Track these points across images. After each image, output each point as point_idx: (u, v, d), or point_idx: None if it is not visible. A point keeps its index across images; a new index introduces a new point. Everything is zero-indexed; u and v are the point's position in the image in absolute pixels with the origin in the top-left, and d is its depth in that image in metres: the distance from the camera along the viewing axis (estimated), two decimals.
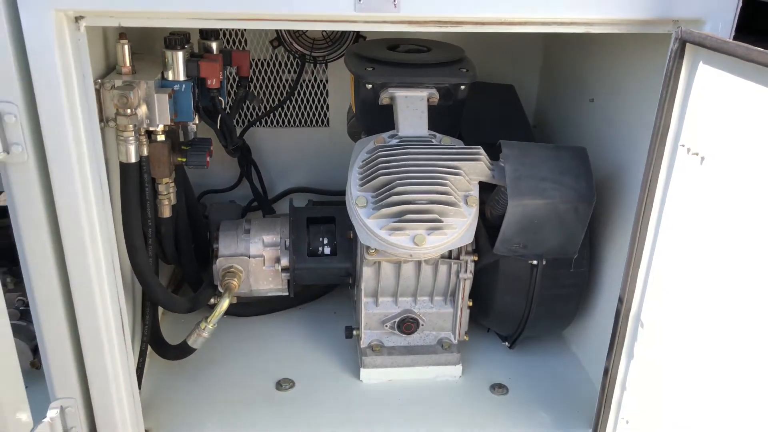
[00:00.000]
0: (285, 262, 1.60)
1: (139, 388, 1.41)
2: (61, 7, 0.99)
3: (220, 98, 1.49)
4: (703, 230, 1.07)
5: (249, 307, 1.82)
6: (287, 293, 1.66)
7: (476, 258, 1.55)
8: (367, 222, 1.32)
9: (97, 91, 1.17)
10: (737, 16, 1.10)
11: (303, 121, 2.05)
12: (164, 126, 1.35)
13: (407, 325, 1.60)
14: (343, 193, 1.43)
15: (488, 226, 1.51)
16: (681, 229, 1.12)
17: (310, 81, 2.01)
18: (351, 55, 1.53)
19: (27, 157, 1.05)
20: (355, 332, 1.65)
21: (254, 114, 2.01)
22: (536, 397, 1.59)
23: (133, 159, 1.28)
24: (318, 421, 1.50)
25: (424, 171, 1.33)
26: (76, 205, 1.11)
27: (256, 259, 1.60)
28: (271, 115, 2.02)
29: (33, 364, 1.48)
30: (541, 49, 2.04)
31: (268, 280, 1.62)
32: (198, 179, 1.88)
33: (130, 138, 1.26)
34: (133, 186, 1.31)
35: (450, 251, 1.53)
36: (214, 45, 1.49)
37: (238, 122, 1.99)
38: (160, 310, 1.66)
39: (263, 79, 1.98)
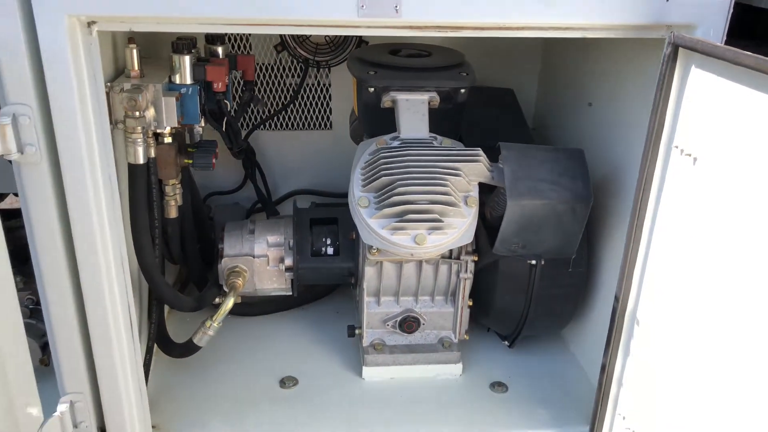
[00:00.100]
0: (289, 261, 1.63)
1: (146, 385, 1.44)
2: (74, 12, 1.02)
3: (225, 101, 1.53)
4: (696, 229, 1.10)
5: (253, 306, 1.85)
6: (291, 293, 1.69)
7: (476, 258, 1.57)
8: (370, 222, 1.35)
9: (107, 94, 1.20)
10: (729, 22, 1.13)
11: (306, 124, 2.08)
12: (171, 128, 1.38)
13: (408, 324, 1.63)
14: (345, 195, 1.46)
15: (488, 226, 1.54)
16: (675, 228, 1.15)
17: (313, 85, 2.03)
18: (354, 60, 1.56)
19: (40, 157, 1.08)
20: (357, 331, 1.68)
21: (258, 117, 2.04)
22: (535, 395, 1.61)
23: (141, 160, 1.31)
24: (321, 418, 1.52)
25: (425, 172, 1.36)
26: (87, 204, 1.14)
27: (260, 259, 1.63)
28: (275, 118, 2.05)
29: (42, 362, 1.51)
30: (540, 53, 2.07)
31: (272, 280, 1.65)
32: (203, 181, 1.91)
33: (139, 140, 1.29)
34: (141, 187, 1.34)
35: (450, 251, 1.56)
36: (219, 49, 1.53)
37: (242, 125, 2.02)
38: (166, 309, 1.69)
39: (267, 83, 2.01)
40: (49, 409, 1.24)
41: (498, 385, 1.64)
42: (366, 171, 1.39)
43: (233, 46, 1.94)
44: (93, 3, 1.02)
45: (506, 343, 1.74)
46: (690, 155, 1.09)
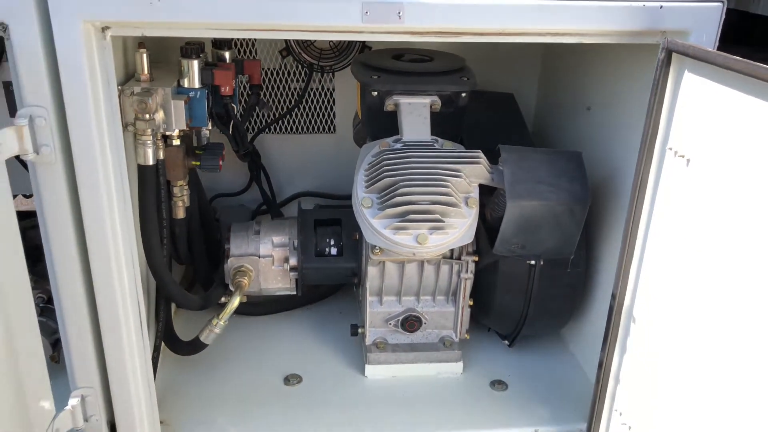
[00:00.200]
0: (293, 261, 1.67)
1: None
2: (89, 18, 1.06)
3: (232, 105, 1.56)
4: (689, 228, 1.13)
5: (258, 306, 1.88)
6: (295, 292, 1.72)
7: (477, 258, 1.61)
8: (373, 222, 1.39)
9: (118, 97, 1.24)
10: (721, 28, 1.16)
11: (310, 128, 2.12)
12: (180, 131, 1.42)
13: (410, 323, 1.66)
14: (348, 197, 1.49)
15: (488, 228, 1.57)
16: (669, 227, 1.18)
17: (317, 90, 2.07)
18: (357, 64, 1.60)
19: (55, 157, 1.12)
20: (360, 330, 1.71)
21: (264, 121, 2.08)
22: (534, 393, 1.64)
23: (150, 161, 1.35)
24: (324, 415, 1.55)
25: (427, 173, 1.39)
26: (100, 203, 1.17)
27: (265, 259, 1.66)
28: (280, 122, 2.09)
29: (52, 358, 1.54)
30: (540, 59, 2.10)
31: (277, 279, 1.69)
32: (209, 183, 1.94)
33: (148, 141, 1.33)
34: (151, 187, 1.38)
35: (452, 252, 1.59)
36: (227, 54, 1.56)
37: (248, 129, 2.06)
38: (173, 308, 1.72)
39: (273, 88, 2.05)
40: (59, 404, 1.26)
41: (498, 384, 1.67)
42: (369, 172, 1.43)
43: (239, 52, 1.98)
44: (107, 9, 1.05)
45: (506, 342, 1.77)
46: (683, 157, 1.13)
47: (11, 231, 1.08)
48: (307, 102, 2.08)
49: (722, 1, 1.15)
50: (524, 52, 2.05)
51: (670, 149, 1.16)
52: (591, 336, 1.66)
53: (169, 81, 1.38)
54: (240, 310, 1.66)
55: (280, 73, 2.04)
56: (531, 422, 1.56)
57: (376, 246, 1.50)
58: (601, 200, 1.60)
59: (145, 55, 1.35)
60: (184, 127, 1.41)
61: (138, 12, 1.06)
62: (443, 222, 1.38)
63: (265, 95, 2.05)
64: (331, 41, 1.96)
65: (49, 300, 1.53)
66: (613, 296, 1.32)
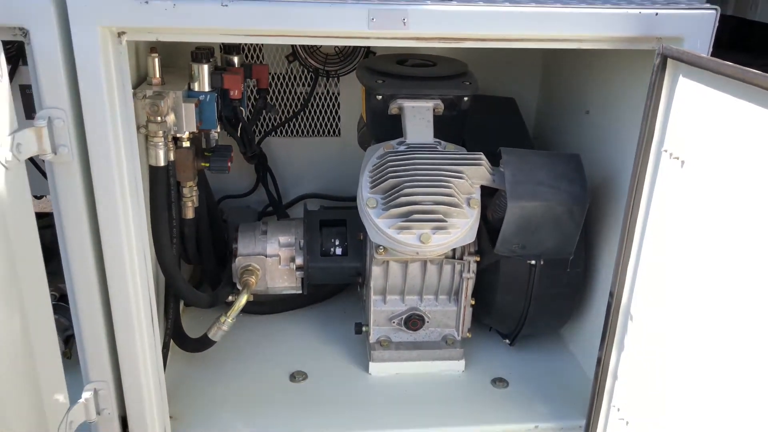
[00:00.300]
0: (299, 261, 1.70)
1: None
2: (106, 24, 1.10)
3: (241, 108, 1.61)
4: (684, 227, 1.16)
5: (265, 305, 1.92)
6: (301, 291, 1.76)
7: (478, 259, 1.64)
8: (377, 221, 1.43)
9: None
10: (714, 35, 1.20)
11: (316, 131, 2.16)
12: (190, 133, 1.45)
13: (413, 321, 1.70)
14: (352, 199, 1.53)
15: (490, 229, 1.60)
16: (665, 226, 1.22)
17: (322, 94, 2.11)
18: (363, 69, 1.64)
19: (72, 157, 1.16)
20: (364, 328, 1.75)
21: (270, 124, 2.12)
22: (535, 390, 1.68)
23: (162, 163, 1.39)
24: (329, 411, 1.59)
25: (430, 175, 1.43)
26: (114, 201, 1.21)
27: (272, 258, 1.70)
28: (286, 125, 2.14)
29: (64, 354, 1.57)
30: (541, 64, 2.14)
31: (283, 278, 1.73)
32: (217, 185, 1.99)
33: (160, 143, 1.37)
34: (162, 188, 1.41)
35: (454, 252, 1.63)
36: (235, 59, 1.61)
37: (255, 131, 2.10)
38: (181, 307, 1.76)
39: (279, 92, 2.10)
40: (72, 398, 1.30)
41: (499, 381, 1.70)
42: (374, 174, 1.47)
43: (246, 57, 2.02)
44: (124, 15, 1.10)
45: (507, 341, 1.81)
46: (678, 158, 1.16)
47: (31, 229, 1.12)
48: (312, 106, 2.12)
49: (715, 9, 1.19)
50: (525, 57, 2.09)
51: (666, 151, 1.19)
52: (590, 335, 1.69)
53: (180, 85, 1.42)
54: (247, 309, 1.69)
55: (287, 77, 2.08)
56: (531, 418, 1.59)
57: (380, 246, 1.54)
58: (599, 201, 1.63)
59: (156, 60, 1.39)
60: (194, 130, 1.44)
61: (154, 18, 1.10)
62: (446, 222, 1.42)
63: (271, 99, 2.09)
64: (337, 47, 2.00)
65: (61, 298, 1.57)
66: (611, 295, 1.36)
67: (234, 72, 1.55)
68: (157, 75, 1.40)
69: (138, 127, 1.32)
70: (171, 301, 1.60)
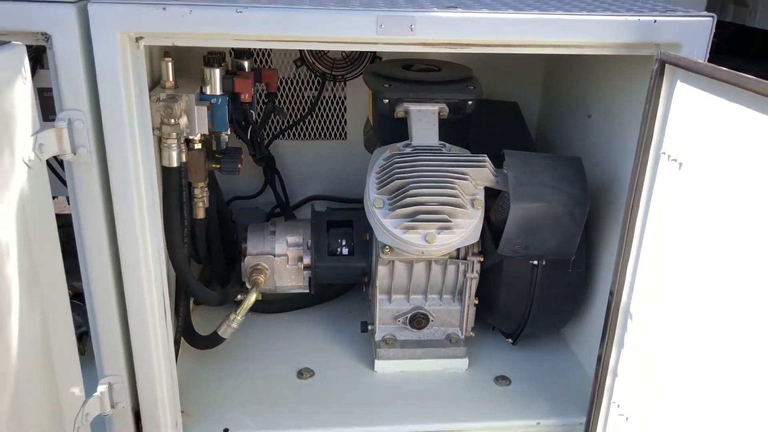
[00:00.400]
0: (307, 260, 1.74)
1: None
2: (126, 29, 1.14)
3: (251, 111, 1.65)
4: (682, 227, 1.20)
5: (273, 304, 1.96)
6: (308, 290, 1.80)
7: (482, 259, 1.68)
8: (384, 221, 1.46)
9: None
10: (711, 41, 1.24)
11: (322, 134, 2.20)
12: (201, 135, 1.49)
13: (418, 320, 1.73)
14: (358, 200, 1.57)
15: (493, 230, 1.64)
16: (663, 226, 1.25)
17: (329, 98, 2.15)
18: (370, 74, 1.68)
19: (90, 158, 1.20)
20: (369, 327, 1.78)
21: (279, 127, 2.16)
22: (537, 388, 1.71)
23: (175, 164, 1.42)
24: (336, 406, 1.62)
25: (435, 176, 1.47)
26: (131, 201, 1.25)
27: (280, 258, 1.74)
28: (294, 128, 2.18)
29: (78, 350, 1.62)
30: (543, 69, 2.18)
31: (291, 278, 1.77)
32: (226, 186, 2.03)
33: (173, 145, 1.40)
34: (175, 188, 1.45)
35: (458, 252, 1.67)
36: (246, 63, 1.64)
37: (263, 134, 2.14)
38: (191, 306, 1.80)
39: (287, 96, 2.14)
40: (86, 393, 1.33)
41: (502, 379, 1.74)
42: (381, 175, 1.51)
43: (256, 61, 2.06)
44: (143, 21, 1.14)
45: (510, 340, 1.84)
46: (676, 160, 1.19)
47: (51, 226, 1.16)
48: (319, 109, 2.16)
49: (712, 16, 1.23)
50: (528, 62, 2.12)
51: (664, 153, 1.23)
52: (591, 335, 1.72)
53: (192, 88, 1.46)
54: (255, 308, 1.73)
55: (295, 81, 2.12)
56: (533, 415, 1.62)
57: (386, 246, 1.58)
58: (600, 203, 1.67)
59: (170, 64, 1.43)
60: (206, 132, 1.48)
61: (171, 23, 1.14)
62: (450, 222, 1.45)
63: (279, 103, 2.13)
64: (343, 52, 2.04)
65: (74, 296, 1.61)
66: (611, 293, 1.39)
67: (245, 76, 1.58)
68: (171, 78, 1.44)
69: (152, 129, 1.37)
70: (182, 300, 1.63)
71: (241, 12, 1.15)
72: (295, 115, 2.16)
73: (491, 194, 1.56)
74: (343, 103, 2.17)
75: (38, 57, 1.49)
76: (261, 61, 2.07)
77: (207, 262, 1.81)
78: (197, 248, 1.70)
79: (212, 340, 1.69)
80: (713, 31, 1.23)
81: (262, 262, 1.73)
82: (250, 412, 1.59)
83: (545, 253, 1.60)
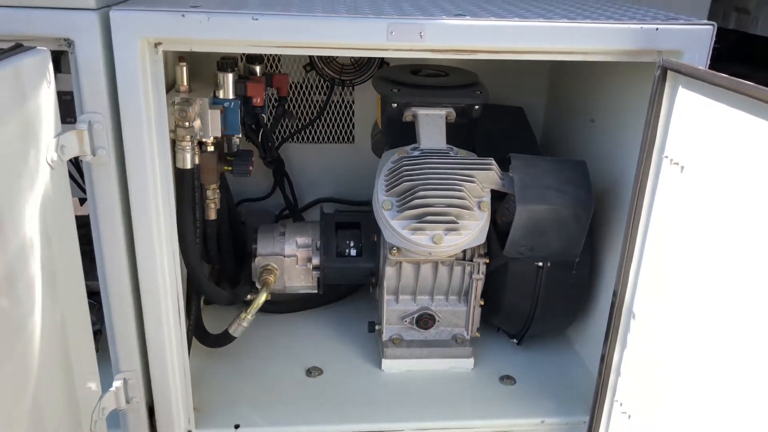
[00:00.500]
0: (316, 261, 1.78)
1: None
2: (145, 35, 1.18)
3: (262, 115, 1.69)
4: (684, 229, 1.23)
5: (282, 304, 1.99)
6: (316, 291, 1.84)
7: (488, 260, 1.71)
8: (392, 223, 1.50)
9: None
10: (712, 49, 1.27)
11: (331, 137, 2.24)
12: (214, 138, 1.53)
13: (424, 320, 1.76)
14: (365, 203, 1.60)
15: (499, 232, 1.66)
16: (666, 228, 1.28)
17: (338, 102, 2.19)
18: (378, 79, 1.72)
19: (109, 159, 1.24)
20: (377, 327, 1.81)
21: (288, 131, 2.20)
22: (541, 387, 1.73)
23: (188, 165, 1.45)
24: (344, 404, 1.65)
25: (443, 179, 1.50)
26: (147, 201, 1.29)
27: (290, 258, 1.78)
28: (303, 132, 2.21)
29: None
30: (548, 75, 2.21)
31: (300, 278, 1.80)
32: (235, 188, 2.06)
33: (187, 147, 1.44)
34: (188, 190, 1.48)
35: (464, 253, 1.70)
36: (257, 68, 1.68)
37: (274, 138, 2.18)
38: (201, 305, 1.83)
39: (296, 100, 2.17)
40: (101, 389, 1.37)
41: (507, 379, 1.77)
42: (389, 177, 1.55)
43: (266, 66, 2.10)
44: (163, 28, 1.18)
45: (514, 340, 1.87)
46: (678, 164, 1.22)
47: (70, 225, 1.20)
48: (328, 113, 2.20)
49: (712, 24, 1.27)
50: (533, 68, 2.13)
51: (666, 157, 1.26)
52: (594, 335, 1.74)
53: (206, 92, 1.50)
54: (264, 308, 1.77)
55: (304, 86, 2.16)
56: (538, 414, 1.65)
57: (394, 247, 1.62)
58: (604, 205, 1.70)
59: (184, 68, 1.47)
60: (219, 135, 1.52)
61: (189, 30, 1.18)
62: (457, 224, 1.49)
63: (289, 107, 2.17)
64: (352, 57, 2.08)
65: (88, 295, 1.64)
66: (615, 294, 1.42)
67: (257, 81, 1.62)
68: (185, 83, 1.48)
69: None
70: (193, 299, 1.67)
71: (257, 19, 1.18)
72: (304, 119, 2.20)
73: (497, 197, 1.59)
74: (351, 107, 2.21)
75: (56, 61, 1.53)
76: (271, 66, 2.11)
77: (217, 263, 1.84)
78: (208, 248, 1.73)
79: (223, 339, 1.72)
80: (714, 38, 1.27)
81: (272, 263, 1.77)
82: (260, 409, 1.62)
83: (550, 255, 1.63)
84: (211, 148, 1.58)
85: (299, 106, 2.18)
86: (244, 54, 1.65)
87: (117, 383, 1.41)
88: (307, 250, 1.79)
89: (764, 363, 1.03)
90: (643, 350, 1.38)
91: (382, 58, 2.06)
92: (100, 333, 1.55)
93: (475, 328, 1.80)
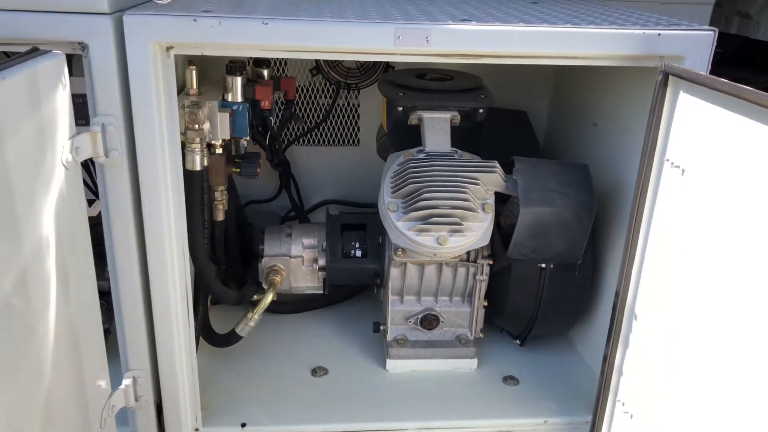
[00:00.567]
0: (322, 262, 1.80)
1: None
2: (158, 39, 1.21)
3: (270, 118, 1.71)
4: (684, 230, 1.25)
5: (287, 305, 2.01)
6: (322, 291, 1.86)
7: (491, 262, 1.73)
8: (398, 224, 1.52)
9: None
10: (713, 54, 1.29)
11: (336, 140, 2.26)
12: (223, 140, 1.55)
13: (429, 321, 1.78)
14: (370, 204, 1.62)
15: (503, 234, 1.69)
16: (667, 230, 1.30)
17: (343, 105, 2.21)
18: (384, 82, 1.75)
19: (121, 161, 1.26)
20: (381, 327, 1.83)
21: (294, 134, 2.23)
22: (544, 388, 1.75)
23: (198, 167, 1.48)
24: (348, 403, 1.67)
25: (448, 181, 1.53)
26: (159, 202, 1.31)
27: (296, 259, 1.80)
28: (309, 135, 2.24)
29: None
30: (551, 79, 2.23)
31: (306, 278, 1.82)
32: (242, 190, 2.08)
33: (197, 149, 1.46)
34: (197, 191, 1.50)
35: (468, 255, 1.72)
36: (265, 72, 1.70)
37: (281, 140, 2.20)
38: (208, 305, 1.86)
39: (303, 104, 2.20)
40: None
41: (510, 379, 1.78)
42: (395, 179, 1.57)
43: (273, 70, 2.12)
44: (174, 32, 1.20)
45: (517, 341, 1.89)
46: (679, 167, 1.24)
47: (83, 224, 1.22)
48: (333, 117, 2.23)
49: (713, 30, 1.29)
50: (537, 73, 2.18)
51: (667, 160, 1.28)
52: (597, 336, 1.76)
53: (214, 95, 1.52)
54: (271, 309, 1.79)
55: (310, 90, 2.19)
56: (541, 414, 1.67)
57: (398, 248, 1.64)
58: (606, 208, 1.72)
59: (194, 72, 1.49)
60: (228, 137, 1.54)
61: (201, 34, 1.21)
62: (462, 225, 1.51)
63: (295, 110, 2.19)
64: (358, 61, 2.11)
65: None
66: (617, 295, 1.44)
67: (265, 84, 1.64)
68: (195, 86, 1.50)
69: None
70: (200, 299, 1.69)
71: (267, 24, 1.21)
72: (310, 122, 2.22)
73: (501, 199, 1.61)
74: (356, 110, 2.23)
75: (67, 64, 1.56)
76: (277, 70, 2.13)
77: (224, 263, 1.87)
78: (216, 249, 1.76)
79: (230, 338, 1.74)
80: (715, 44, 1.29)
81: (279, 263, 1.79)
82: (267, 407, 1.64)
83: (553, 257, 1.65)
84: (219, 151, 1.60)
85: (305, 110, 2.21)
86: (251, 57, 1.67)
87: (126, 381, 1.43)
88: (313, 251, 1.81)
89: (765, 363, 1.05)
90: (644, 350, 1.40)
91: (387, 62, 2.09)
92: (108, 332, 1.57)
93: (478, 329, 1.82)
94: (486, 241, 1.57)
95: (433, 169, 1.54)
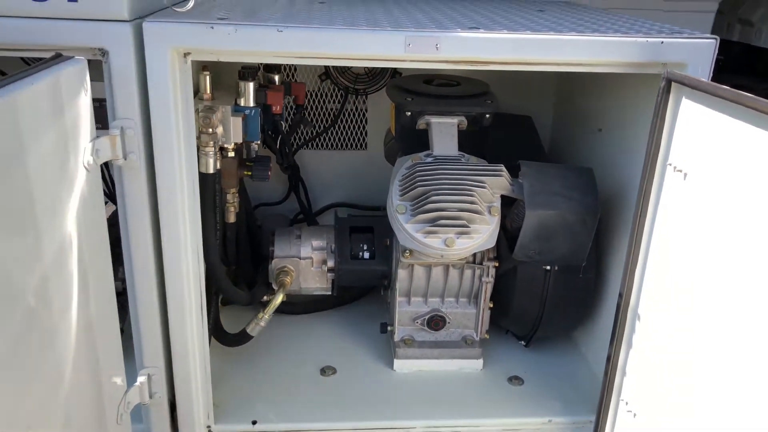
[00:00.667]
0: (331, 263, 1.83)
1: None
2: (176, 45, 1.25)
3: (281, 122, 1.75)
4: (687, 233, 1.28)
5: (297, 306, 2.05)
6: (331, 292, 1.89)
7: (497, 264, 1.76)
8: (406, 226, 1.56)
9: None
10: (714, 61, 1.33)
11: (344, 145, 2.30)
12: (235, 144, 1.59)
13: (435, 322, 1.81)
14: (377, 207, 1.65)
15: (508, 236, 1.72)
16: (669, 232, 1.33)
17: (351, 110, 2.25)
18: (393, 88, 1.78)
19: (139, 163, 1.30)
20: (389, 328, 1.86)
21: (303, 138, 2.27)
22: (548, 388, 1.78)
23: (211, 170, 1.52)
24: (357, 402, 1.70)
25: (455, 184, 1.56)
26: (175, 203, 1.35)
27: (305, 261, 1.83)
28: (317, 139, 2.28)
29: None
30: (556, 85, 2.27)
31: (315, 280, 1.86)
32: (252, 193, 2.11)
33: (211, 152, 1.50)
34: (210, 193, 1.54)
35: (474, 257, 1.75)
36: (276, 77, 1.73)
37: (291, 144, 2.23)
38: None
39: (312, 108, 2.24)
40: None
41: (515, 379, 1.81)
42: (403, 182, 1.60)
43: (283, 75, 2.16)
44: (192, 39, 1.24)
45: (522, 342, 1.92)
46: (681, 171, 1.27)
47: (102, 225, 1.26)
48: (342, 121, 2.26)
49: (715, 38, 1.33)
50: (542, 79, 2.20)
51: (670, 165, 1.31)
52: (600, 338, 1.77)
53: (227, 100, 1.56)
54: (280, 309, 1.82)
55: (319, 95, 2.22)
56: (545, 413, 1.69)
57: (406, 250, 1.67)
58: (610, 211, 1.74)
59: (208, 77, 1.53)
60: (240, 141, 1.57)
61: (218, 41, 1.25)
62: (469, 227, 1.54)
63: (305, 114, 2.23)
64: (366, 67, 2.14)
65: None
66: (620, 296, 1.46)
67: (276, 89, 1.67)
68: (208, 91, 1.54)
69: None
70: (212, 299, 1.72)
71: (281, 31, 1.25)
72: (319, 127, 2.26)
73: (507, 202, 1.64)
74: (364, 115, 2.27)
75: None
76: (287, 75, 2.17)
77: (235, 264, 1.90)
78: (227, 250, 1.79)
79: (241, 338, 1.77)
80: (716, 51, 1.32)
81: (289, 265, 1.82)
82: (277, 406, 1.68)
83: (558, 259, 1.68)
84: (231, 154, 1.63)
85: (314, 114, 2.25)
86: (261, 63, 1.71)
87: (141, 378, 1.46)
88: (322, 252, 1.85)
89: (766, 363, 1.08)
90: (648, 351, 1.42)
91: (395, 69, 2.12)
92: (122, 332, 1.60)
93: (484, 330, 1.85)
94: (492, 244, 1.60)
95: (440, 172, 1.58)
